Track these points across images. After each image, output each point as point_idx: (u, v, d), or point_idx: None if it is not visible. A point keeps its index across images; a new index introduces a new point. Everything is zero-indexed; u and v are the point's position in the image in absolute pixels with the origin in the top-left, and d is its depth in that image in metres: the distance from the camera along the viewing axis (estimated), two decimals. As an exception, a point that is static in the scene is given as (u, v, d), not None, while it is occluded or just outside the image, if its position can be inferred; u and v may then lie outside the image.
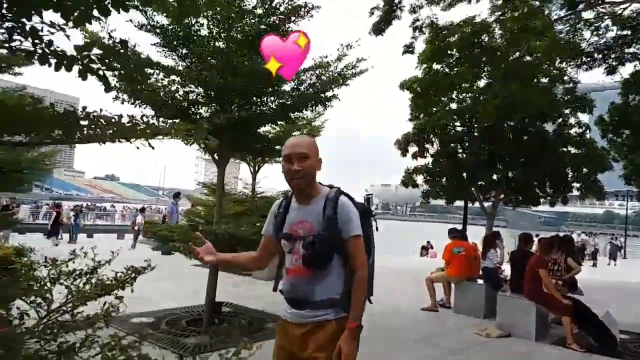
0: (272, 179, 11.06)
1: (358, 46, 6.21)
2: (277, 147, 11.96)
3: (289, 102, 6.24)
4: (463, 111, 11.62)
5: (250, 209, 9.51)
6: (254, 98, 6.27)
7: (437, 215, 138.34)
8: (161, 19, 5.80)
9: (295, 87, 6.27)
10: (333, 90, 6.47)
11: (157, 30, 5.79)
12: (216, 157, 6.12)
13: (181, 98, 5.57)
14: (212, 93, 5.95)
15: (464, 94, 12.20)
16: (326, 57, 6.09)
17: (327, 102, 6.54)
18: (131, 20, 5.69)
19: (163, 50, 5.93)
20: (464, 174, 11.91)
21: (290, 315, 2.19)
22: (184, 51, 5.93)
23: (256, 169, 11.62)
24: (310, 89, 6.21)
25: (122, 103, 5.80)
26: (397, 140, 13.49)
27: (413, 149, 13.17)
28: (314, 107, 6.60)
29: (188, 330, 5.65)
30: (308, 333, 2.10)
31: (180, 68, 5.86)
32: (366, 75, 6.47)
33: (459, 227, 10.12)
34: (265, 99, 6.32)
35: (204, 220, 7.45)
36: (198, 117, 5.77)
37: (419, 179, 13.45)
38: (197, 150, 8.23)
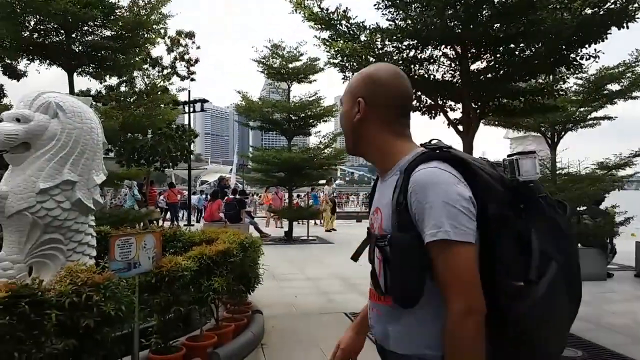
0: (577, 150, 8.50)
1: None
2: (574, 109, 9.27)
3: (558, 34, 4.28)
4: None
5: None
6: (504, 45, 4.64)
7: None
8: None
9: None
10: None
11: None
12: (460, 128, 4.83)
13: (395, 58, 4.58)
14: (448, 47, 4.70)
15: None
16: None
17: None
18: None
19: (388, 12, 5.08)
20: None
21: None
22: (416, 5, 4.90)
23: (555, 140, 9.24)
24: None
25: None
26: None
27: None
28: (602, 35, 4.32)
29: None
30: None
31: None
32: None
33: None
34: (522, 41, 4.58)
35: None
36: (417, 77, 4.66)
37: None
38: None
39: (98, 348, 2.82)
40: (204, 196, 21.85)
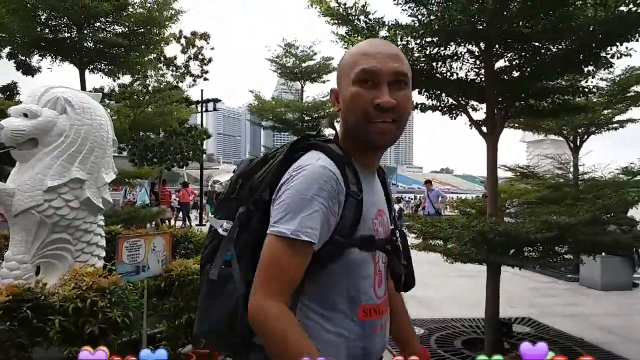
0: (599, 154, 8.21)
1: None
2: (598, 112, 8.92)
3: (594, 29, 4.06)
4: None
5: (567, 196, 7.23)
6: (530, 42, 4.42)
7: None
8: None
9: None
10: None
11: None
12: (484, 130, 4.61)
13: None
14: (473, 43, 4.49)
15: None
16: None
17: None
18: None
19: (408, 7, 4.87)
20: None
21: None
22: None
23: (577, 143, 8.96)
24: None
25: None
26: None
27: None
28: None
29: (460, 355, 4.38)
30: None
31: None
32: None
33: None
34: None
35: (476, 211, 5.93)
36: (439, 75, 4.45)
37: None
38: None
39: (103, 356, 2.67)
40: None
